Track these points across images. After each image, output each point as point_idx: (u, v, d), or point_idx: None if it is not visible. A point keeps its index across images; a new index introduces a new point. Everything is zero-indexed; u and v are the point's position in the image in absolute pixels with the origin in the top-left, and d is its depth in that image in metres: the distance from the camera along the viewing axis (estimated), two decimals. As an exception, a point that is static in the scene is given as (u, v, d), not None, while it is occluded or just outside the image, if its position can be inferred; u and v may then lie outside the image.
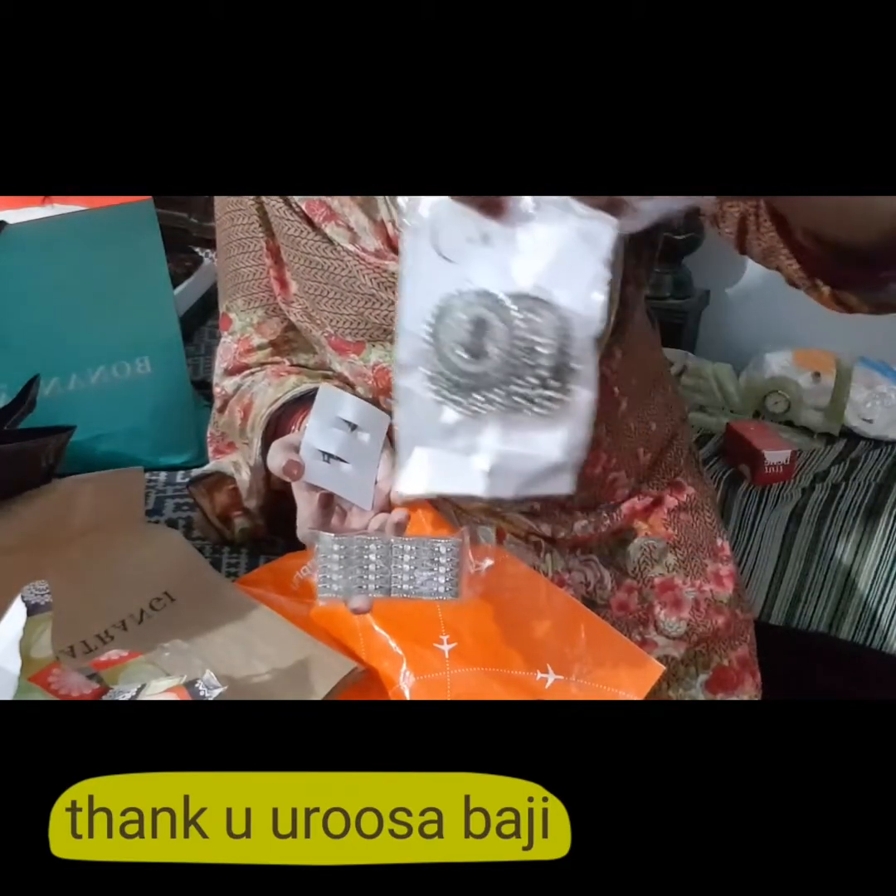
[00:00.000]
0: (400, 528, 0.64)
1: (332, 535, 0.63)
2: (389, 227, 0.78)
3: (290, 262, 0.84)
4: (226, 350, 0.91)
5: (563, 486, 0.53)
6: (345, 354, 0.82)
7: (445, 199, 0.49)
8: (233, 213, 0.87)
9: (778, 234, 0.66)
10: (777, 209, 0.65)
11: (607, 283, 0.46)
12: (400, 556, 0.62)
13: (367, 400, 0.78)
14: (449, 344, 0.51)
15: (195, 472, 0.93)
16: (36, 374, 0.86)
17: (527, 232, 0.48)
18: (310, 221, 0.80)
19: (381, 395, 0.82)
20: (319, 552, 0.63)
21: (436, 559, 0.61)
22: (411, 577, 0.62)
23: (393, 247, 0.78)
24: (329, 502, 0.66)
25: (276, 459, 0.66)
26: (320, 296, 0.82)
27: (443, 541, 0.62)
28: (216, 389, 0.91)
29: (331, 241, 0.79)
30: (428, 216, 0.49)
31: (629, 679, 0.70)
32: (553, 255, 0.48)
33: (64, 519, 0.81)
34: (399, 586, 0.62)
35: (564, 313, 0.49)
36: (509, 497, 0.53)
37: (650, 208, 0.48)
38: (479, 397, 0.51)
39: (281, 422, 0.81)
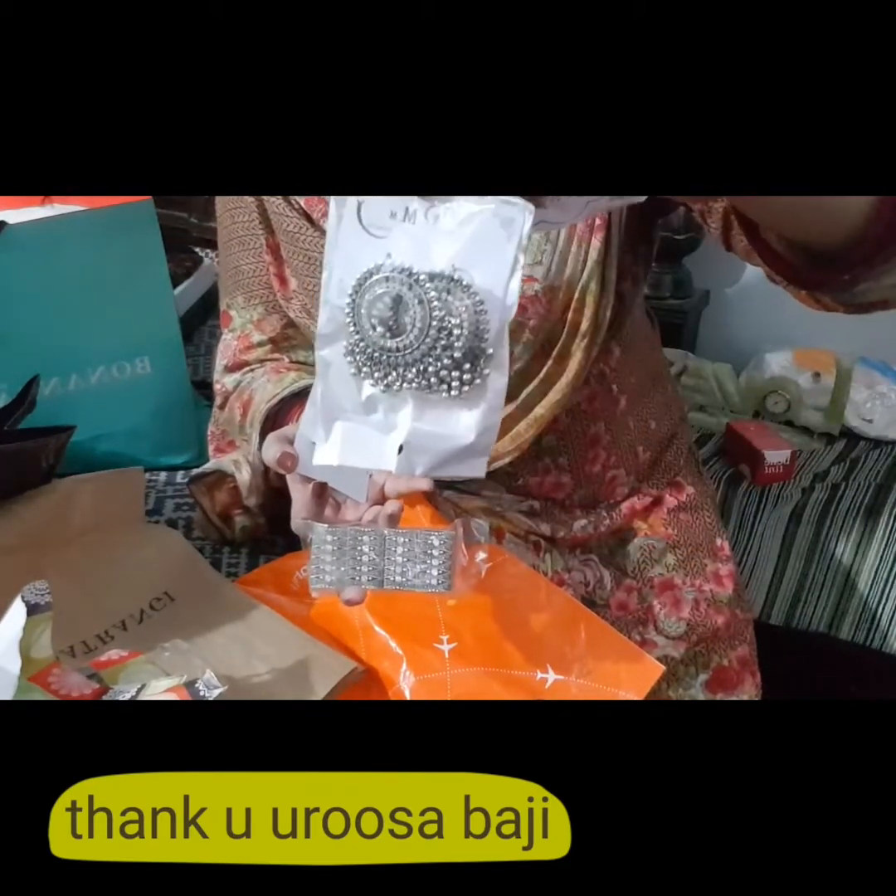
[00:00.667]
0: (393, 519, 0.64)
1: (326, 526, 0.63)
2: None
3: (289, 258, 0.84)
4: (226, 347, 0.91)
5: (475, 469, 0.53)
6: None
7: None
8: (233, 210, 0.87)
9: (745, 235, 0.66)
10: (739, 210, 0.65)
11: (522, 268, 0.47)
12: (393, 548, 0.62)
13: None
14: (368, 318, 0.50)
15: (195, 470, 0.93)
16: (36, 374, 0.86)
17: (449, 211, 0.48)
18: (309, 218, 0.81)
19: None
20: (312, 543, 0.63)
21: (429, 551, 0.61)
22: (403, 570, 0.62)
23: None
24: (322, 493, 0.66)
25: (271, 451, 0.66)
26: (319, 292, 0.81)
27: (436, 533, 0.62)
28: (216, 386, 0.91)
29: None
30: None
31: (629, 679, 0.70)
32: (471, 236, 0.48)
33: (64, 519, 0.81)
34: (391, 578, 0.62)
35: (480, 296, 0.49)
36: (420, 475, 0.53)
37: (577, 203, 0.49)
38: (394, 373, 0.51)
39: (279, 417, 0.81)
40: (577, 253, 0.78)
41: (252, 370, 0.89)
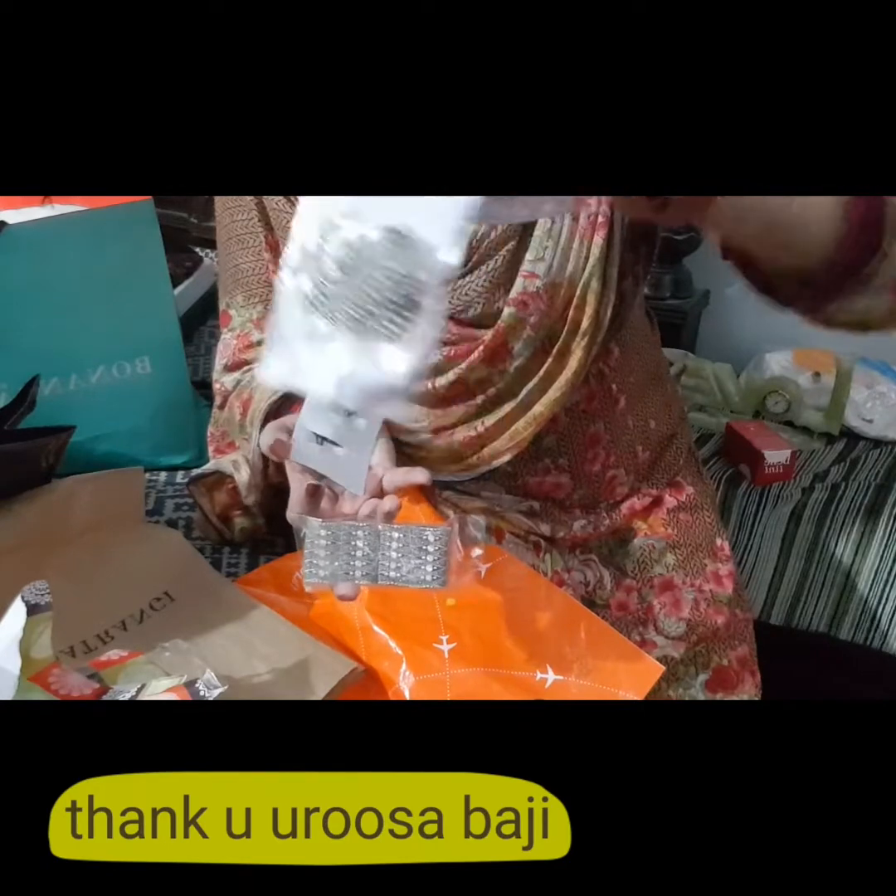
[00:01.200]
0: (390, 516, 0.64)
1: (320, 520, 0.63)
2: None
3: None
4: (225, 346, 0.91)
5: (399, 411, 0.60)
6: None
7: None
8: (232, 209, 0.87)
9: (720, 248, 0.66)
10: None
11: (466, 238, 0.54)
12: (388, 544, 0.63)
13: None
14: (328, 255, 0.55)
15: (195, 471, 0.93)
16: (36, 374, 0.86)
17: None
18: None
19: None
20: (306, 537, 0.63)
21: (424, 547, 0.62)
22: (398, 565, 0.62)
23: None
24: (317, 491, 0.66)
25: (267, 437, 0.66)
26: None
27: (431, 529, 0.62)
28: (216, 386, 0.91)
29: None
30: None
31: (629, 679, 0.70)
32: (426, 202, 0.54)
33: (64, 519, 0.81)
34: (386, 574, 0.63)
35: (423, 253, 0.54)
36: (352, 408, 0.58)
37: (525, 202, 0.54)
38: (340, 308, 0.55)
39: (279, 414, 0.81)
40: (579, 249, 0.78)
41: (252, 369, 0.88)
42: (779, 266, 0.64)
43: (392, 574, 0.63)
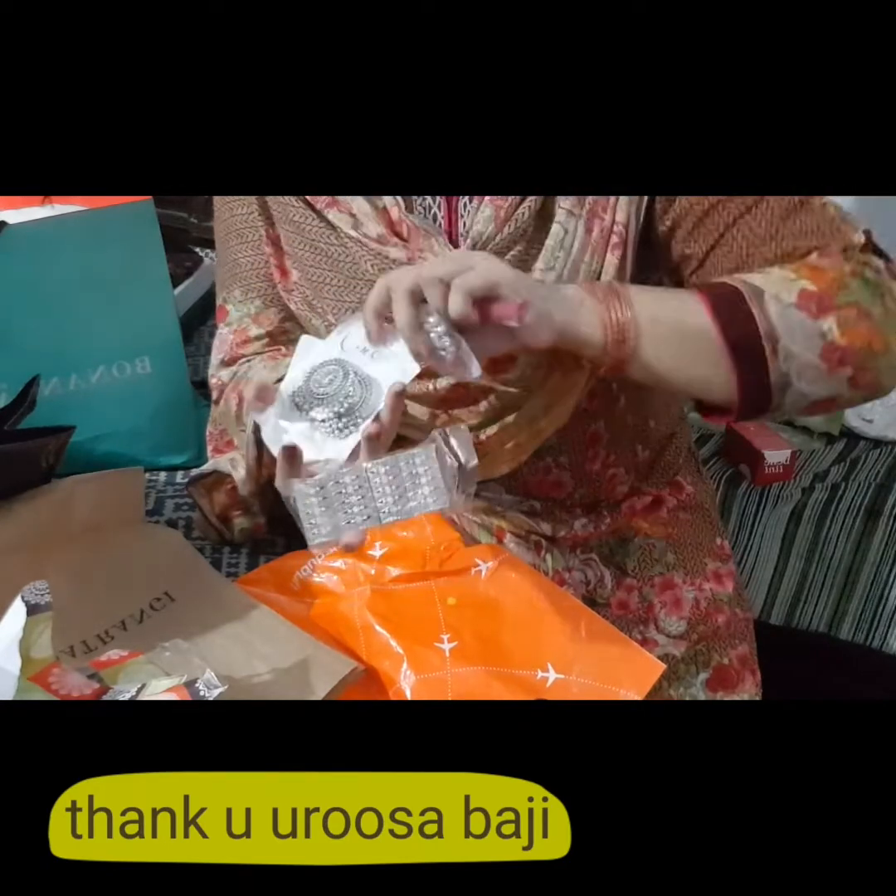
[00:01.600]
0: (374, 440, 0.64)
1: (305, 481, 0.63)
2: (393, 211, 0.78)
3: (291, 250, 0.83)
4: (222, 341, 0.90)
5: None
6: None
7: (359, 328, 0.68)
8: (232, 203, 0.86)
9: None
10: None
11: (403, 386, 0.65)
12: (378, 481, 0.63)
13: None
14: (314, 380, 0.67)
15: (194, 472, 0.93)
16: (36, 374, 0.86)
17: (395, 343, 0.67)
18: (312, 208, 0.80)
19: None
20: (297, 501, 0.63)
21: (414, 473, 0.63)
22: (395, 499, 0.63)
23: (395, 232, 0.78)
24: (294, 448, 0.66)
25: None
26: (323, 283, 0.81)
27: (416, 452, 0.62)
28: (212, 381, 0.91)
29: (333, 228, 0.79)
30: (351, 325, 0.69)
31: (630, 677, 0.70)
32: (387, 361, 0.67)
33: (64, 519, 0.81)
34: (386, 510, 0.63)
35: (372, 396, 0.66)
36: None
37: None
38: (314, 412, 0.67)
39: None
40: (590, 263, 0.77)
41: (248, 361, 0.88)
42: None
43: (393, 509, 0.62)
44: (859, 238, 0.74)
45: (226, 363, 0.89)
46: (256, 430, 0.78)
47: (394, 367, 0.67)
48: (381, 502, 0.62)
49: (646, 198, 0.77)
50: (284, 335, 0.88)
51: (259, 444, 0.79)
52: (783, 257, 0.74)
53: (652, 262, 0.80)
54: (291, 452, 0.65)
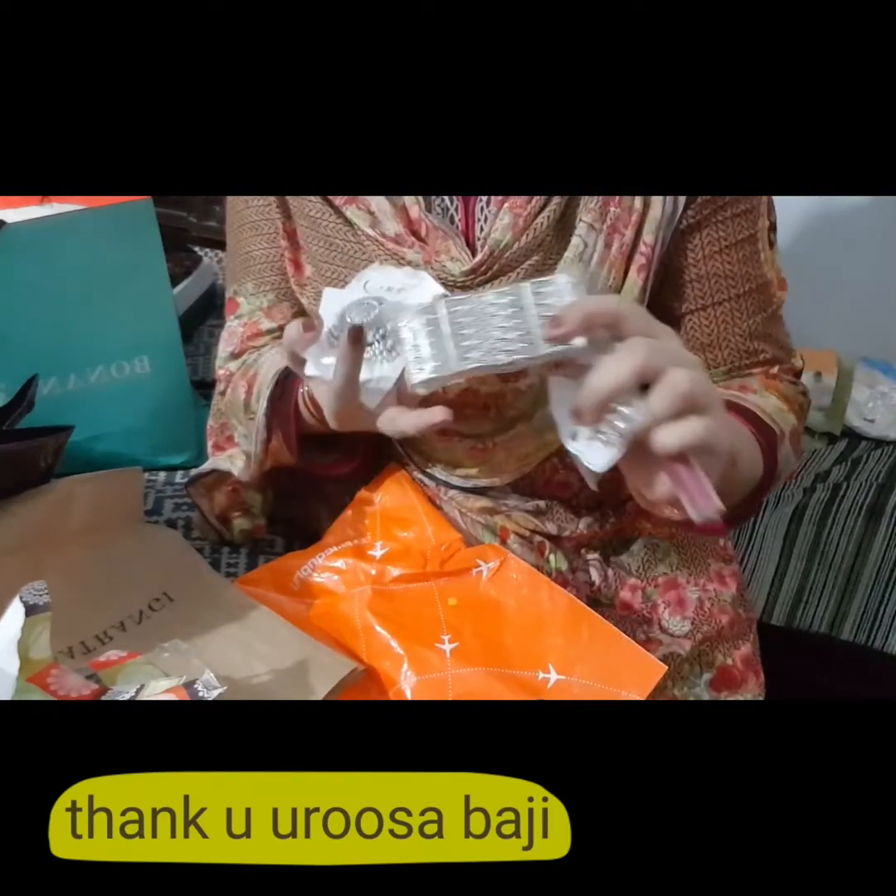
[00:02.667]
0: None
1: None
2: (413, 210, 0.78)
3: (307, 244, 0.83)
4: (231, 334, 0.90)
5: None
6: None
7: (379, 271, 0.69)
8: (247, 195, 0.86)
9: None
10: None
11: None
12: (501, 315, 0.58)
13: None
14: (349, 315, 0.66)
15: (193, 471, 0.93)
16: (35, 373, 0.86)
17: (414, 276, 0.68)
18: (331, 204, 0.80)
19: None
20: (402, 333, 0.60)
21: (544, 304, 0.57)
22: (520, 335, 0.57)
23: (413, 231, 0.78)
24: (360, 333, 0.62)
25: (291, 328, 0.64)
26: (337, 280, 0.81)
27: (549, 280, 0.58)
28: (220, 372, 0.90)
29: (351, 224, 0.79)
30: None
31: (632, 679, 0.70)
32: (412, 291, 0.67)
33: (63, 519, 0.81)
34: (508, 349, 0.57)
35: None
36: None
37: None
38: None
39: (288, 382, 0.79)
40: (607, 278, 0.77)
41: (258, 351, 0.87)
42: None
43: (515, 347, 0.57)
44: (799, 363, 0.88)
45: (235, 355, 0.89)
46: (267, 412, 0.78)
47: (423, 290, 0.66)
48: (501, 339, 0.57)
49: (674, 224, 0.77)
50: None
51: (269, 427, 0.79)
52: (749, 354, 0.83)
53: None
54: (357, 334, 0.62)
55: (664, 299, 0.80)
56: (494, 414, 0.81)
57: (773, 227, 0.82)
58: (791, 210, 1.58)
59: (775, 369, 0.84)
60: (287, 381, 0.79)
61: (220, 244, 1.29)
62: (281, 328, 0.86)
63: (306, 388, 0.75)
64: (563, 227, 0.77)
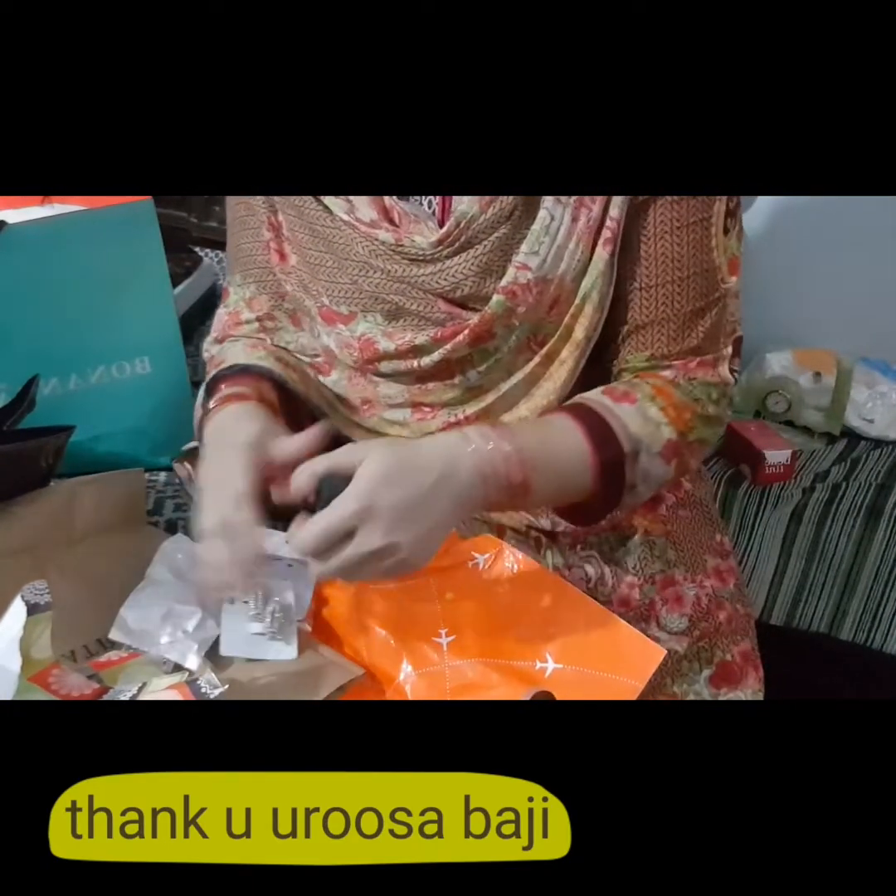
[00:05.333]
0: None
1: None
2: (385, 198, 0.80)
3: (292, 235, 0.85)
4: (218, 320, 0.93)
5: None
6: (333, 325, 0.84)
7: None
8: (246, 195, 0.88)
9: None
10: None
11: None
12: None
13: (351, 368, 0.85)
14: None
15: (183, 448, 0.93)
16: (36, 373, 0.86)
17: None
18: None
19: (365, 365, 0.84)
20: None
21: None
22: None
23: (388, 217, 0.80)
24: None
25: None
26: (318, 265, 0.83)
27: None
28: (205, 355, 0.93)
29: (330, 211, 0.81)
30: None
31: (630, 665, 0.70)
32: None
33: (66, 521, 0.81)
34: None
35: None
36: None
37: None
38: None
39: (224, 379, 0.83)
40: (574, 251, 0.78)
41: (235, 341, 0.90)
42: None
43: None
44: (728, 352, 0.86)
45: (218, 340, 0.92)
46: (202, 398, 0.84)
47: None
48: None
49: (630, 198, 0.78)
50: (272, 322, 0.90)
51: (203, 409, 0.83)
52: (677, 341, 0.82)
53: None
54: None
55: (618, 275, 0.81)
56: (460, 380, 0.83)
57: (731, 213, 0.83)
58: (792, 210, 1.58)
59: (694, 362, 0.83)
60: (224, 379, 0.83)
61: (220, 244, 1.29)
62: (259, 320, 0.90)
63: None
64: (531, 201, 0.78)
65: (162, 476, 1.02)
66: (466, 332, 0.80)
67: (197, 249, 1.44)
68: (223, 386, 0.82)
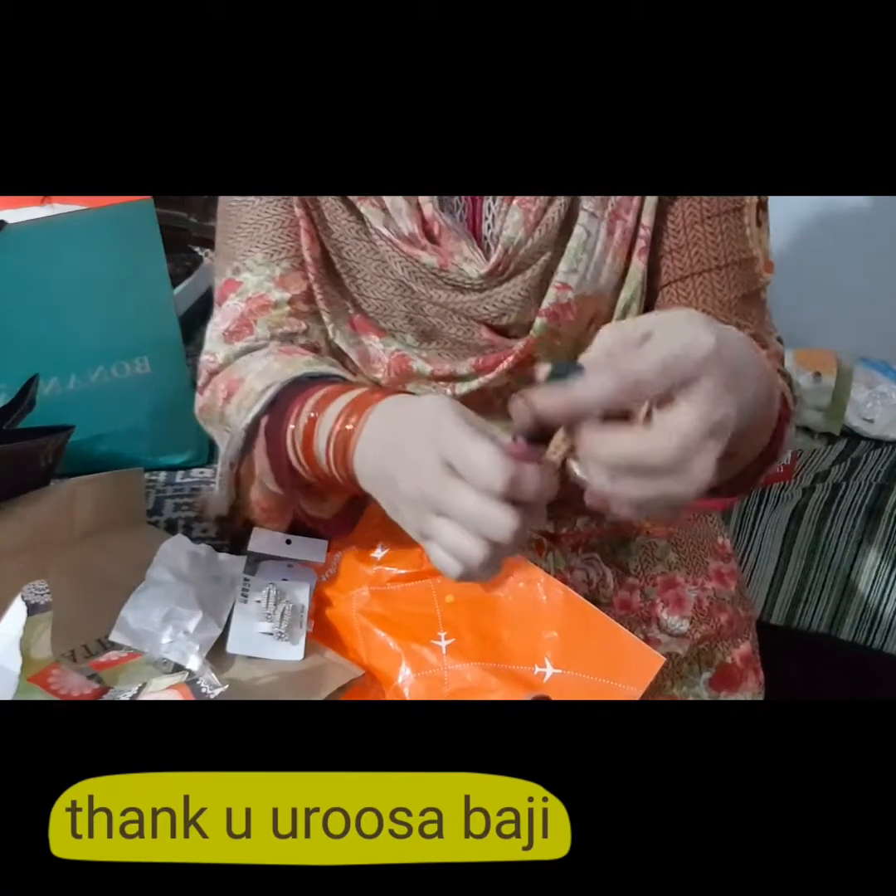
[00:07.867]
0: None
1: None
2: (427, 208, 0.76)
3: (323, 235, 0.80)
4: (225, 316, 0.82)
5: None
6: (366, 334, 0.80)
7: None
8: (249, 195, 0.81)
9: None
10: None
11: None
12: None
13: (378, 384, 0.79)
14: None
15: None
16: (35, 373, 0.86)
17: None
18: (344, 199, 0.78)
19: (393, 381, 0.79)
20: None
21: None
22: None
23: (427, 231, 0.76)
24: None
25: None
26: (347, 274, 0.80)
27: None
28: (205, 358, 0.81)
29: (363, 222, 0.77)
30: None
31: (629, 671, 0.70)
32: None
33: (65, 521, 0.81)
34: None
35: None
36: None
37: None
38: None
39: (283, 400, 0.69)
40: (612, 264, 0.77)
41: (250, 351, 0.78)
42: None
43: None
44: (781, 348, 0.80)
45: (231, 333, 0.80)
46: (246, 437, 0.70)
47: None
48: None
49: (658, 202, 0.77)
50: (308, 305, 0.80)
51: (244, 450, 0.71)
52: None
53: None
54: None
55: (649, 272, 0.78)
56: (498, 404, 0.80)
57: (762, 206, 0.80)
58: (791, 210, 1.58)
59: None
60: (282, 399, 0.69)
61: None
62: (291, 302, 0.79)
63: (295, 427, 0.67)
64: (567, 220, 0.77)
65: (162, 476, 1.02)
66: (510, 359, 0.77)
67: (197, 249, 1.43)
68: (295, 407, 0.67)
